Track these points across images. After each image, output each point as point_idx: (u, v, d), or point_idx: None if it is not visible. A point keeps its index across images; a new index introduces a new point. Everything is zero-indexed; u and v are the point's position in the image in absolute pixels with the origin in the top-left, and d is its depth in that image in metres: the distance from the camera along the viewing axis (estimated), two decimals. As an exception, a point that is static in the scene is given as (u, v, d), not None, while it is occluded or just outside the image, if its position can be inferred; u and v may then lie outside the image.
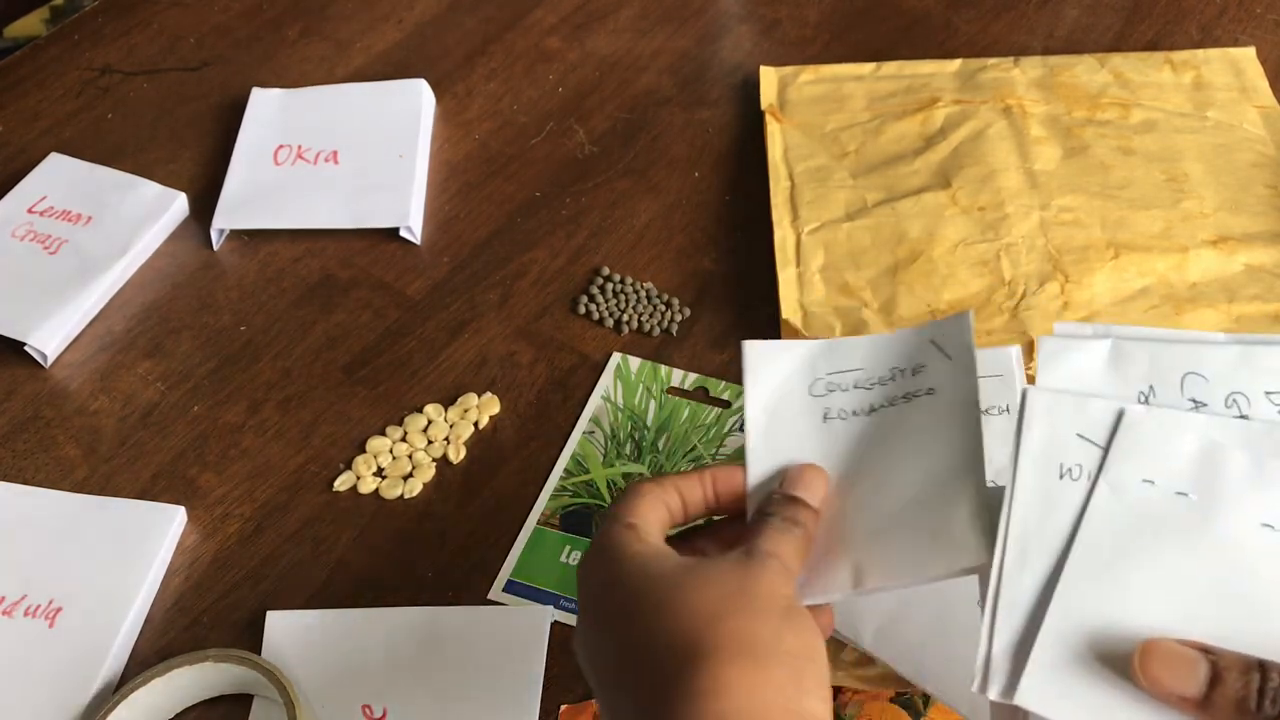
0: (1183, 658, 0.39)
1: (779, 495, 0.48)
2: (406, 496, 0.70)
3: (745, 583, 0.43)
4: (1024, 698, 0.40)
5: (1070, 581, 0.42)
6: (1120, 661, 0.40)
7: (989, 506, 0.45)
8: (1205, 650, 0.39)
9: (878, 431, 0.50)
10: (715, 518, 0.52)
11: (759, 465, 0.50)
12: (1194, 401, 0.44)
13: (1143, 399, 0.44)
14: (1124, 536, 0.42)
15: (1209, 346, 0.45)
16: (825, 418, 0.51)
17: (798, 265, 0.78)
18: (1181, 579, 0.41)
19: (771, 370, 0.52)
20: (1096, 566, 0.42)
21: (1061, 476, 0.43)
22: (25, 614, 0.65)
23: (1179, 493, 0.42)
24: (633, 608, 0.44)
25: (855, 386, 0.51)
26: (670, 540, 0.49)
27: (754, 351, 0.52)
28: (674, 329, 0.77)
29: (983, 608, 0.42)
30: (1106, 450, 0.43)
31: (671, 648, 0.41)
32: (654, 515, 0.48)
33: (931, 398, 0.49)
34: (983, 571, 0.44)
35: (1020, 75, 0.90)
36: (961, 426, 0.47)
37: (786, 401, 0.52)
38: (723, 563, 0.45)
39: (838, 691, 0.59)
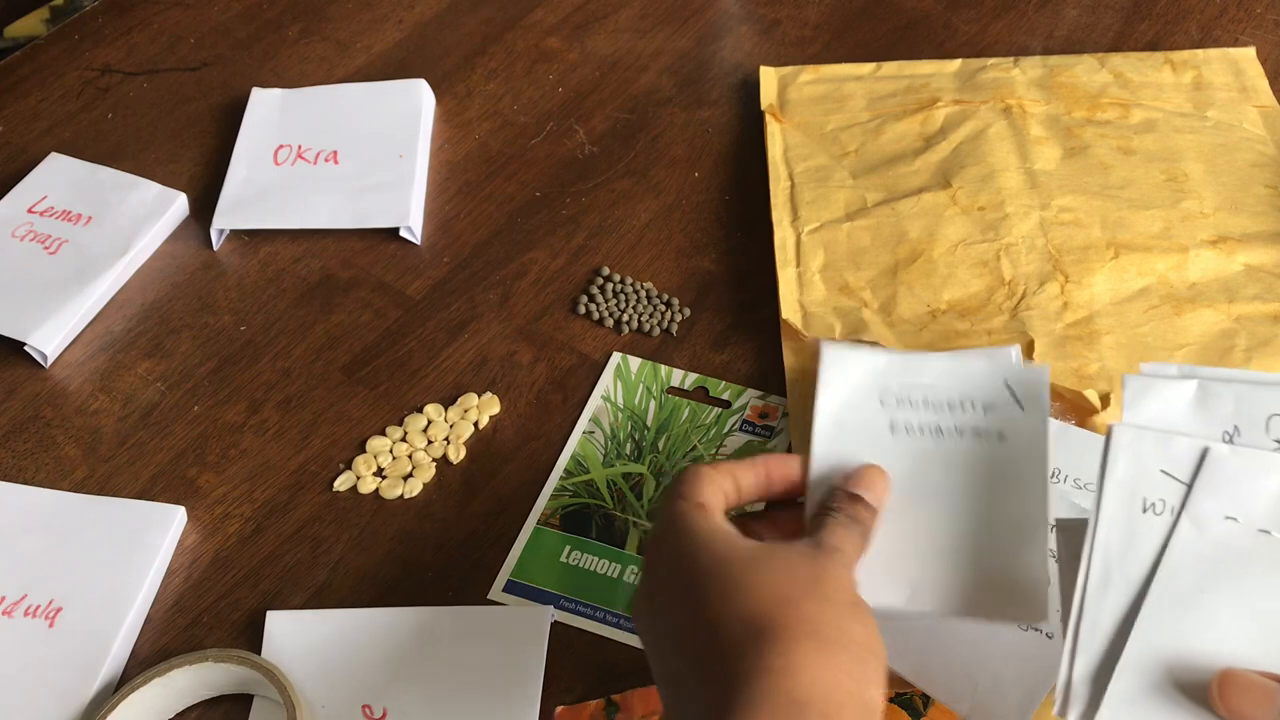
0: (1262, 688, 0.41)
1: (842, 492, 0.49)
2: (406, 496, 0.70)
3: (816, 571, 0.44)
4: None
5: (1151, 612, 0.44)
6: (1197, 691, 0.42)
7: (1047, 566, 0.48)
8: None
9: (944, 457, 0.51)
10: (766, 505, 0.53)
11: (822, 463, 0.52)
12: (1278, 443, 0.45)
13: (1227, 438, 0.46)
14: (1205, 570, 0.44)
15: None
16: (892, 429, 0.52)
17: (798, 265, 0.78)
18: (1261, 614, 0.43)
19: (845, 372, 0.53)
20: (1177, 598, 0.44)
21: (1145, 510, 0.45)
22: (25, 614, 0.65)
23: (1261, 530, 0.44)
24: (705, 583, 0.45)
25: (925, 404, 0.52)
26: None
27: (830, 353, 0.53)
28: (674, 329, 0.77)
29: (1064, 633, 0.44)
30: (1190, 486, 0.45)
31: (744, 623, 0.42)
32: (717, 498, 0.49)
33: (1002, 445, 0.50)
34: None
35: (1020, 75, 0.90)
36: (1030, 482, 0.49)
37: (856, 406, 0.53)
38: (793, 550, 0.46)
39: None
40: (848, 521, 0.48)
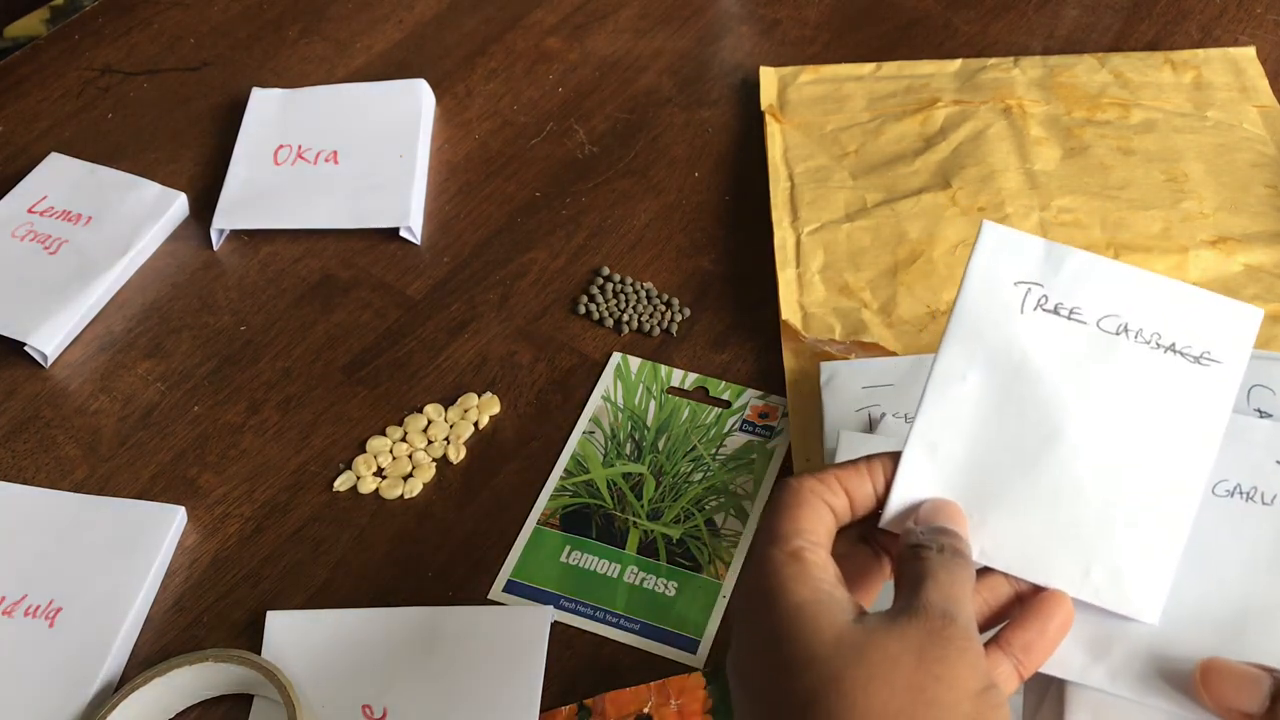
0: (1247, 675, 0.40)
1: (926, 525, 0.42)
2: (406, 496, 0.70)
3: (925, 669, 0.36)
4: (1066, 670, 0.42)
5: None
6: (1156, 646, 0.41)
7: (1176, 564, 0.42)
8: (1268, 670, 0.40)
9: (1100, 373, 0.42)
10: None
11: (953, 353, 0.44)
12: (1259, 411, 0.44)
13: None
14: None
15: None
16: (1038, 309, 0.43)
17: (797, 266, 0.78)
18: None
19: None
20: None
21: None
22: (25, 614, 0.65)
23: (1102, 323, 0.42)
24: (793, 684, 0.38)
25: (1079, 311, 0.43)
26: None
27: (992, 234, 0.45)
28: (674, 329, 0.77)
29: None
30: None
31: None
32: (820, 526, 0.42)
33: (1175, 389, 0.42)
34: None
35: (1020, 75, 0.90)
36: (1195, 448, 0.42)
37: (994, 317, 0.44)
38: (893, 639, 0.37)
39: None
40: (951, 560, 0.40)
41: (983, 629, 0.42)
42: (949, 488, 0.42)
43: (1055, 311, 0.43)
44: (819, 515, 0.42)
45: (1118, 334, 0.42)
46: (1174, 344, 0.42)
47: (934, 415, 0.43)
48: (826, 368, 0.70)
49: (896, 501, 0.42)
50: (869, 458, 0.44)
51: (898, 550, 0.42)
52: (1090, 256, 0.43)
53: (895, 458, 0.43)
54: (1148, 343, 0.42)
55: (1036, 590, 0.42)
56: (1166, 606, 0.42)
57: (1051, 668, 0.42)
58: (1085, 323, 0.42)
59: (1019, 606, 0.42)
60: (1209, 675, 0.40)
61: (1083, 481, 0.42)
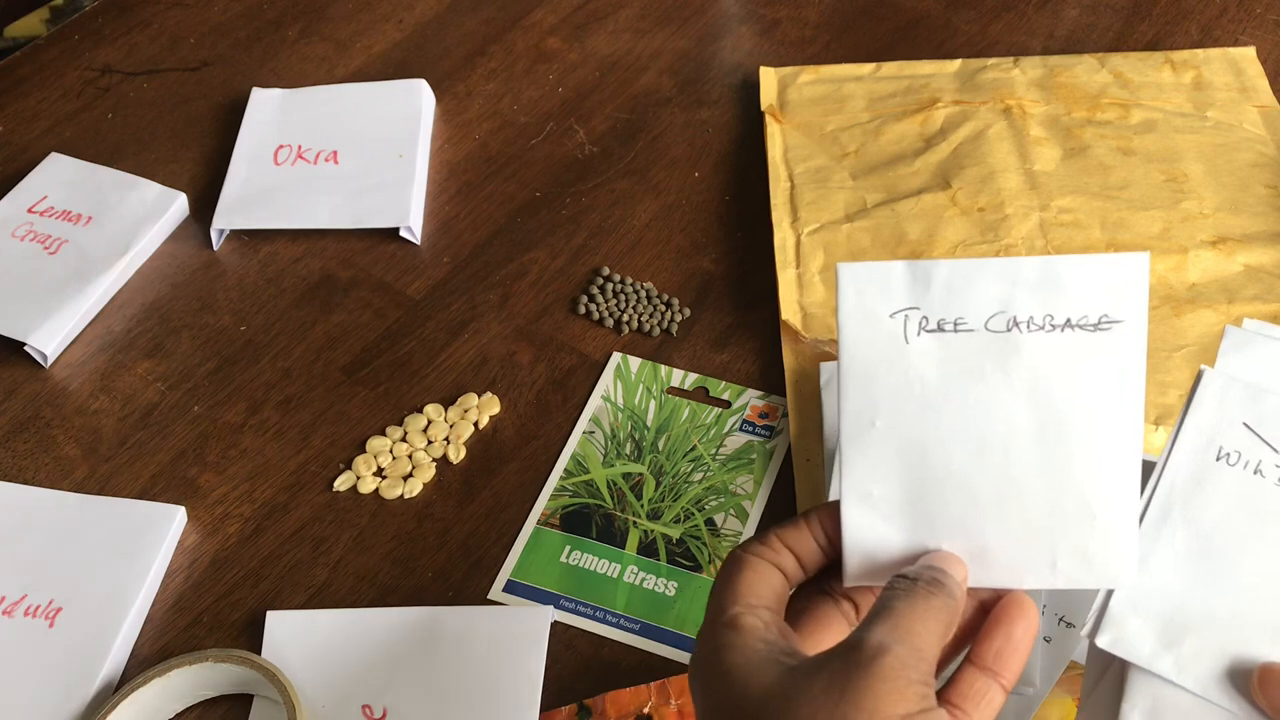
0: None
1: (915, 567, 0.41)
2: (406, 496, 0.70)
3: (852, 700, 0.35)
4: (1136, 654, 0.42)
5: (1203, 559, 0.43)
6: (1228, 644, 0.42)
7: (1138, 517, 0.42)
8: None
9: (999, 364, 0.41)
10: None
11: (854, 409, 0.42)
12: None
13: None
14: (1266, 529, 0.43)
15: None
16: (920, 332, 0.41)
17: (797, 266, 0.78)
18: None
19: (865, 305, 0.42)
20: (1232, 552, 0.43)
21: (1219, 458, 0.44)
22: (25, 614, 0.65)
23: None
24: None
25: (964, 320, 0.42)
26: (805, 587, 0.43)
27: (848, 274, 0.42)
28: (674, 329, 0.77)
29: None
30: (1272, 446, 0.44)
31: None
32: (764, 590, 0.41)
33: (1077, 359, 0.40)
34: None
35: (1020, 75, 0.90)
36: (1117, 410, 0.41)
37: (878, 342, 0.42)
38: (824, 677, 0.36)
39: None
40: (919, 590, 0.38)
41: (959, 648, 0.42)
42: (896, 528, 0.42)
43: (940, 329, 0.41)
44: (762, 578, 0.41)
45: (1009, 330, 0.41)
46: (1068, 319, 0.41)
47: (858, 467, 0.42)
48: (826, 368, 0.70)
49: (852, 559, 0.42)
50: (808, 513, 0.43)
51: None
52: (953, 263, 0.41)
53: (834, 508, 0.42)
54: (1041, 327, 0.41)
55: (999, 597, 0.42)
56: (1239, 609, 0.42)
57: (1119, 649, 0.42)
58: (973, 330, 0.41)
59: (986, 618, 0.42)
60: (1267, 679, 0.41)
61: (1022, 481, 0.41)
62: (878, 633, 0.37)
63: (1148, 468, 0.44)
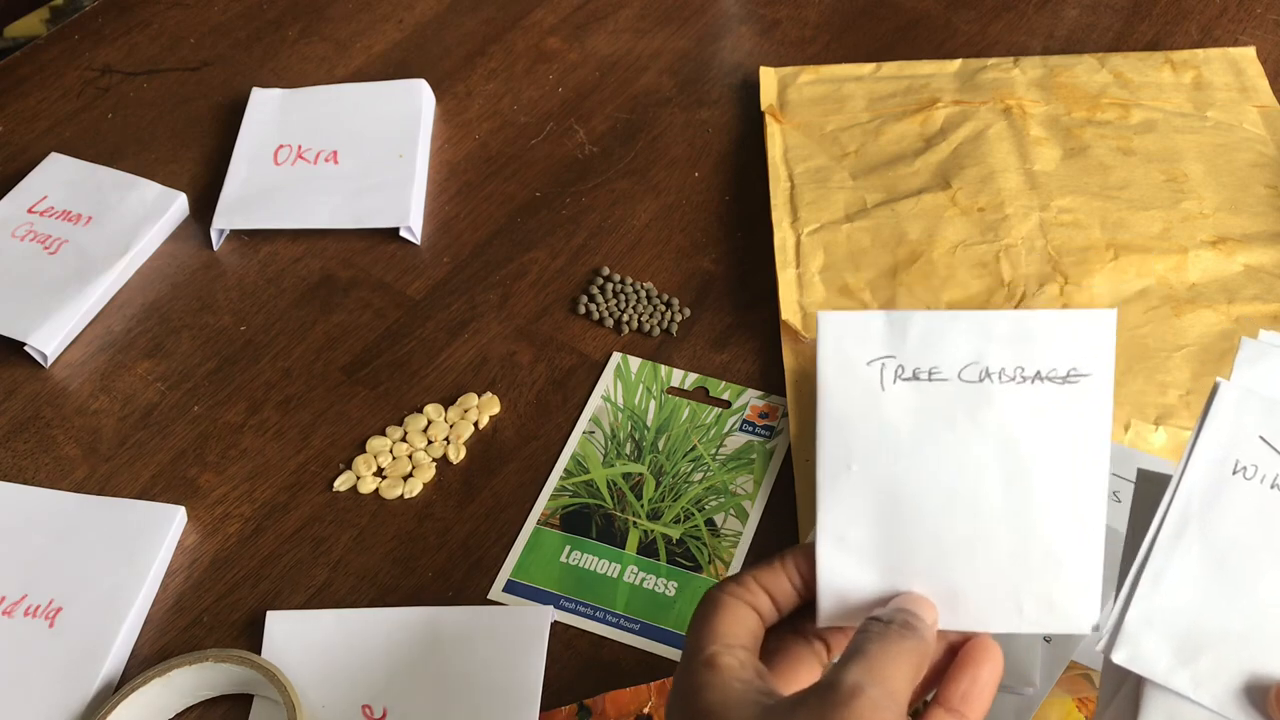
0: None
1: (888, 609, 0.41)
2: (406, 496, 0.70)
3: None
4: (1152, 670, 0.42)
5: (1220, 574, 0.43)
6: (1246, 660, 0.42)
7: (1101, 568, 0.43)
8: None
9: (966, 417, 0.42)
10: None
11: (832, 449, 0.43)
12: None
13: None
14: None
15: None
16: (895, 381, 0.42)
17: (797, 266, 0.78)
18: None
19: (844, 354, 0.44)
20: (1249, 567, 0.43)
21: (1235, 472, 0.44)
22: (25, 614, 0.65)
23: None
24: None
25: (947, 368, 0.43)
26: (780, 626, 0.44)
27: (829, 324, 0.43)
28: (674, 329, 0.77)
29: (1121, 572, 0.42)
30: None
31: None
32: (740, 630, 0.42)
33: (1046, 412, 0.42)
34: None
35: (1020, 75, 0.90)
36: (1084, 463, 0.42)
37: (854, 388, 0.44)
38: (795, 715, 0.37)
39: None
40: (891, 633, 0.39)
41: (928, 689, 0.43)
42: (869, 571, 0.43)
43: (915, 378, 0.43)
44: (738, 618, 0.42)
45: (982, 380, 0.42)
46: (1039, 372, 0.42)
47: (833, 510, 0.43)
48: (826, 368, 0.70)
49: (826, 601, 0.43)
50: (783, 555, 0.43)
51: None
52: (930, 315, 0.42)
53: (808, 550, 0.43)
54: (1013, 379, 0.42)
55: (966, 639, 0.43)
56: (1257, 624, 0.43)
57: (1136, 665, 0.42)
58: (947, 379, 0.42)
59: (953, 660, 0.42)
60: None
61: (991, 528, 0.43)
62: (853, 673, 0.37)
63: (1161, 480, 0.44)
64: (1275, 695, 0.41)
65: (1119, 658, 0.42)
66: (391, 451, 0.72)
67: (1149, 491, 0.45)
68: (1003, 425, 0.42)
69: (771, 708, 0.38)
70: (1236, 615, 0.42)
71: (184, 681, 0.61)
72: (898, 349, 0.42)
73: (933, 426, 0.42)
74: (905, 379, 0.43)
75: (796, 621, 0.44)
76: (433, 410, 0.74)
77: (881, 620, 0.40)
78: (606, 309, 0.78)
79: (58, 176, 0.89)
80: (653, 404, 0.73)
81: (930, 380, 0.42)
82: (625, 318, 0.78)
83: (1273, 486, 0.43)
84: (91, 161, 0.90)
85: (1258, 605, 0.42)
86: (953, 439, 0.42)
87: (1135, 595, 0.43)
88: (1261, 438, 0.44)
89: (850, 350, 0.43)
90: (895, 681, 0.38)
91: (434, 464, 0.72)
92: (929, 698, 0.41)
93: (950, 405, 0.42)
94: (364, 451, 0.72)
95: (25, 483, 0.72)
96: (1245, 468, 0.44)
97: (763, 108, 0.90)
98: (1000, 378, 0.42)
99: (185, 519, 0.70)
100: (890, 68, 0.92)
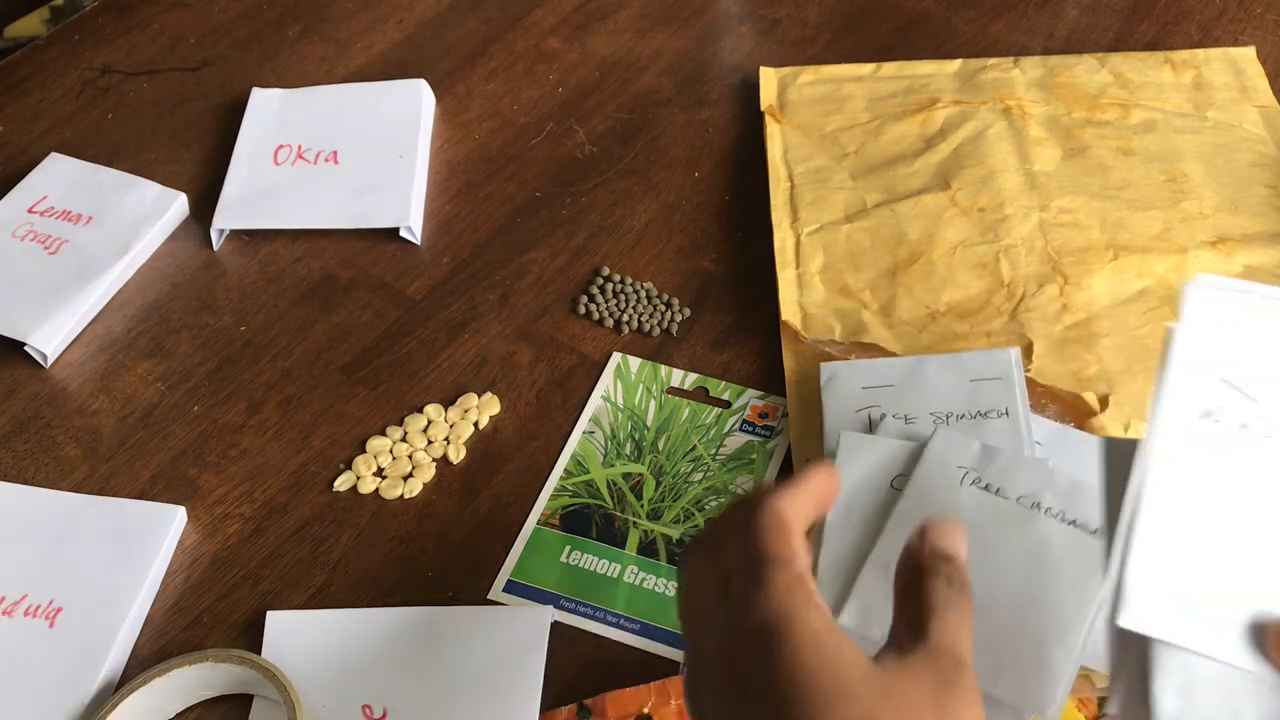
0: None
1: (932, 548, 0.41)
2: (406, 496, 0.70)
3: (947, 717, 0.37)
4: (1159, 628, 0.41)
5: (1206, 521, 0.42)
6: (1244, 603, 0.41)
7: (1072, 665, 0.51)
8: None
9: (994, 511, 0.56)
10: None
11: (834, 544, 0.59)
12: None
13: None
14: (1261, 482, 0.43)
15: None
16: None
17: (797, 267, 0.78)
18: None
19: (859, 457, 0.62)
20: (1232, 510, 0.42)
21: (1204, 418, 0.44)
22: (25, 614, 0.65)
23: None
24: (825, 714, 0.35)
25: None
26: None
27: (848, 440, 0.62)
28: (674, 329, 0.77)
29: (1110, 535, 0.43)
30: (1254, 398, 0.43)
31: None
32: (805, 544, 0.40)
33: (1054, 523, 0.56)
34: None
35: (1020, 76, 0.90)
36: (1087, 582, 0.53)
37: (867, 490, 0.60)
38: (919, 684, 0.37)
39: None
40: (957, 595, 0.40)
41: None
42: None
43: (986, 489, 0.58)
44: (800, 530, 0.40)
45: (1031, 509, 0.57)
46: (1075, 520, 0.56)
47: (889, 542, 0.56)
48: (826, 368, 0.70)
49: (855, 604, 0.54)
50: (810, 474, 0.43)
51: (901, 570, 0.42)
52: (1016, 455, 0.60)
53: (828, 473, 0.45)
54: (1055, 517, 0.56)
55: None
56: (1250, 566, 0.42)
57: (1143, 626, 0.42)
58: (1008, 499, 0.58)
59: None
60: (1269, 635, 0.40)
61: (999, 607, 0.52)
62: (947, 642, 0.39)
63: (1126, 446, 0.44)
64: (1274, 635, 0.40)
65: (1125, 621, 0.41)
66: (391, 451, 0.72)
67: (1117, 458, 0.45)
68: (1037, 543, 0.55)
69: (892, 670, 0.37)
70: (1229, 560, 0.42)
71: (184, 681, 0.61)
72: (983, 467, 0.59)
73: (987, 522, 0.56)
74: (979, 487, 0.58)
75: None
76: (433, 410, 0.74)
77: (939, 575, 0.40)
78: (606, 309, 0.78)
79: (58, 176, 0.89)
80: (653, 404, 0.73)
81: (997, 495, 0.58)
82: (625, 318, 0.78)
83: (1242, 427, 0.43)
84: (91, 161, 0.90)
85: (1248, 547, 0.42)
86: (996, 537, 0.56)
87: (1129, 556, 0.42)
88: (1225, 380, 0.44)
89: (950, 454, 0.60)
90: (969, 647, 0.39)
91: (434, 464, 0.72)
92: None
93: (1004, 516, 0.57)
94: (364, 451, 0.72)
95: (25, 483, 0.72)
96: (1212, 412, 0.43)
97: (763, 108, 0.90)
98: (1046, 512, 0.57)
99: (185, 519, 0.70)
100: (890, 68, 0.92)
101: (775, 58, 0.96)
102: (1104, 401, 0.68)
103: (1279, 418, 0.43)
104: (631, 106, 0.93)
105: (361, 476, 0.71)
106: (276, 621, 0.64)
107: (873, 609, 0.55)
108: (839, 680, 0.36)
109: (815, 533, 0.61)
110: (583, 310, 0.79)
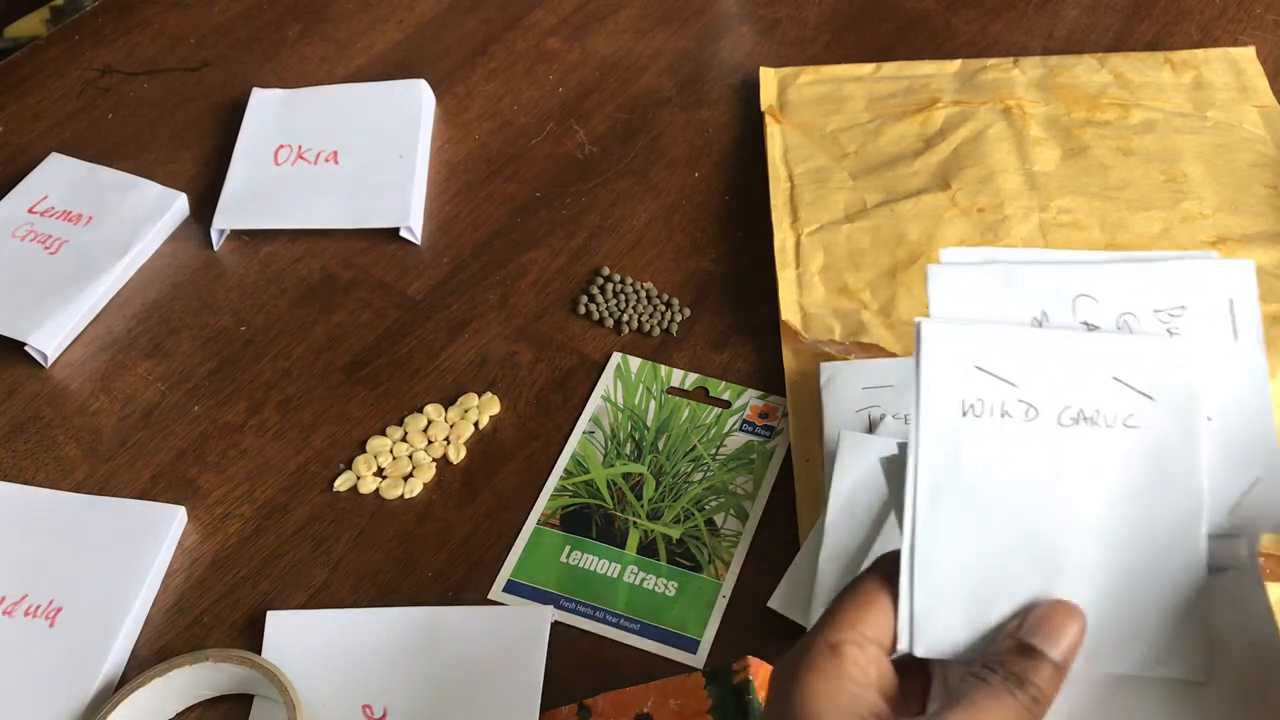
0: (1062, 611, 0.38)
1: (1010, 642, 0.38)
2: (406, 496, 0.70)
3: None
4: (954, 649, 0.39)
5: (983, 523, 0.40)
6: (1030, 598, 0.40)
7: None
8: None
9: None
10: None
11: (834, 541, 0.56)
12: (1087, 324, 0.42)
13: (1036, 323, 0.42)
14: (1031, 470, 0.40)
15: (1097, 267, 0.43)
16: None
17: (797, 267, 0.78)
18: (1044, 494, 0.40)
19: (861, 456, 0.58)
20: (1010, 505, 0.40)
21: (965, 414, 0.41)
22: (25, 614, 0.65)
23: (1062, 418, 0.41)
24: None
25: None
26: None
27: (849, 439, 0.57)
28: (674, 329, 0.77)
29: (905, 562, 0.40)
30: (1010, 382, 0.41)
31: None
32: (884, 628, 0.38)
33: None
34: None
35: (1020, 76, 0.90)
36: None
37: (869, 491, 0.56)
38: None
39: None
40: (1007, 690, 0.36)
41: None
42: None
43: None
44: (884, 610, 0.39)
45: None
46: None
47: (889, 543, 0.49)
48: (826, 368, 0.70)
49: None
50: (865, 584, 0.41)
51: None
52: None
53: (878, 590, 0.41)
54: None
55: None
56: (1029, 559, 0.40)
57: (939, 651, 0.40)
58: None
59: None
60: (1038, 624, 0.38)
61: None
62: None
63: (902, 459, 0.42)
64: (1033, 620, 0.38)
65: (921, 651, 0.39)
66: (391, 451, 0.72)
67: (896, 474, 0.42)
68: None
69: None
70: (1009, 560, 0.40)
71: (184, 681, 0.61)
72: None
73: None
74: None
75: None
76: (433, 410, 0.74)
77: (992, 670, 0.37)
78: (606, 309, 0.78)
79: (58, 176, 0.89)
80: (653, 404, 0.73)
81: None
82: (625, 318, 0.78)
83: (1003, 415, 0.41)
84: (91, 161, 0.90)
85: (1030, 539, 0.40)
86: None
87: (914, 580, 0.40)
88: (978, 368, 0.41)
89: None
90: None
91: (434, 464, 0.72)
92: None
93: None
94: (364, 451, 0.72)
95: (25, 483, 0.72)
96: (973, 405, 0.41)
97: (763, 108, 0.90)
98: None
99: (185, 519, 0.70)
100: (890, 68, 0.92)
101: (775, 58, 0.96)
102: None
103: (1038, 395, 0.40)
104: (631, 106, 0.93)
105: (362, 476, 0.71)
106: (277, 621, 0.64)
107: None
108: None
109: (815, 532, 0.61)
110: (583, 310, 0.79)
